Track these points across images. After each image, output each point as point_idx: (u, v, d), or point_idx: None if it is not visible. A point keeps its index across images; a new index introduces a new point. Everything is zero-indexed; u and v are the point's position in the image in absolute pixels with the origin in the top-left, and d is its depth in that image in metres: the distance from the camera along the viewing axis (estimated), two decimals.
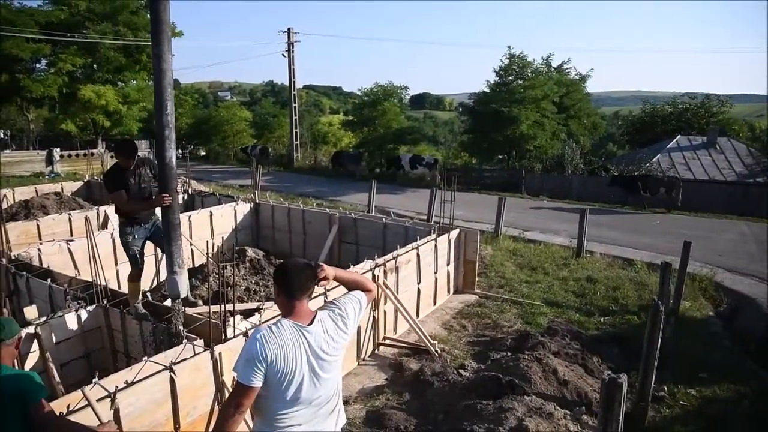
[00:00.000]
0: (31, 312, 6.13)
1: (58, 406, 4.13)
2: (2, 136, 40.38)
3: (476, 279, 9.93)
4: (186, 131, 43.13)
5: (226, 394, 5.04)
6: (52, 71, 29.68)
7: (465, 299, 9.55)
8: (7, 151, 29.99)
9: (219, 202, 12.20)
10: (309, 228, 10.99)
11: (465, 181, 21.98)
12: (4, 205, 13.46)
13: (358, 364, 7.14)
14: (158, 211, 5.75)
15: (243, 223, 11.48)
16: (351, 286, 3.22)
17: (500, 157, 29.65)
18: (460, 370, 6.82)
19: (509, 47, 27.58)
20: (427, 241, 8.80)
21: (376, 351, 7.56)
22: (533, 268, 11.33)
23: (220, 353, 4.98)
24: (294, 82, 33.73)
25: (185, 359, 4.88)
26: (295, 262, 2.95)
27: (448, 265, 9.39)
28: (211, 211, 10.80)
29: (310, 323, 2.81)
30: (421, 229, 9.62)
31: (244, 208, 11.58)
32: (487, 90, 27.98)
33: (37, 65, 30.87)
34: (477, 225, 13.36)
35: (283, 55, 33.32)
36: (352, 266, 7.32)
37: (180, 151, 43.79)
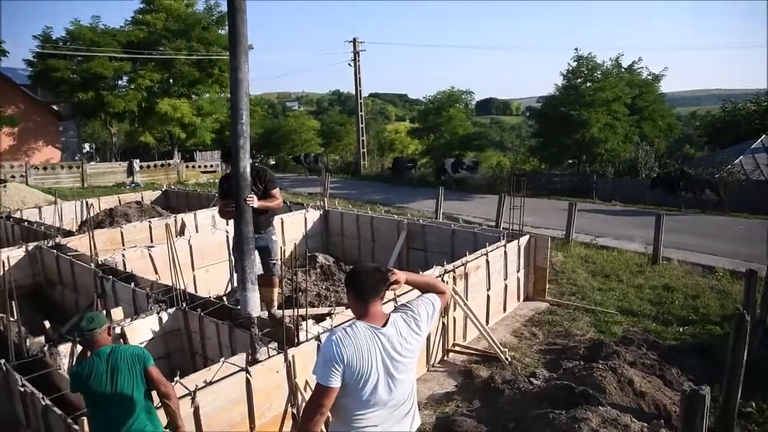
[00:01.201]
0: (117, 313, 6.48)
1: None
2: (88, 149, 42.78)
3: (547, 286, 9.73)
4: (256, 141, 44.38)
5: (299, 397, 5.17)
6: (132, 87, 31.38)
7: (535, 306, 9.38)
8: (93, 163, 31.75)
9: (289, 209, 12.49)
10: (378, 234, 11.09)
11: (533, 186, 21.62)
12: (91, 214, 14.27)
13: (428, 371, 7.15)
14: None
15: (313, 229, 11.72)
16: (423, 288, 3.24)
17: (570, 161, 28.97)
18: (531, 379, 6.71)
19: (577, 49, 26.97)
20: (497, 248, 8.71)
21: (445, 358, 7.54)
22: (606, 275, 11.00)
23: (293, 356, 5.11)
24: (360, 90, 34.17)
25: (260, 361, 5.04)
26: (366, 266, 3.02)
27: (518, 271, 9.26)
28: (282, 218, 11.08)
29: (384, 325, 2.85)
30: (491, 236, 9.53)
31: (313, 215, 11.82)
32: (556, 93, 27.42)
33: (119, 82, 32.66)
34: (546, 231, 13.10)
35: (349, 64, 33.85)
36: (420, 272, 7.34)
37: (251, 161, 45.29)
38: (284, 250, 10.89)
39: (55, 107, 35.31)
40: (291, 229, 11.24)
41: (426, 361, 7.13)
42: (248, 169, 5.20)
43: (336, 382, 2.70)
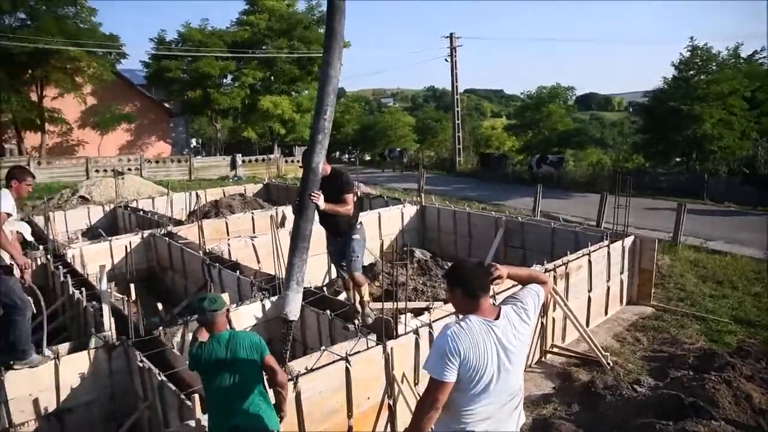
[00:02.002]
0: (224, 299, 6.79)
1: None
2: (195, 144, 45.20)
3: (652, 290, 9.25)
4: (352, 137, 45.17)
5: (396, 388, 5.23)
6: (236, 85, 32.84)
7: (639, 311, 8.95)
8: (199, 157, 33.48)
9: (386, 204, 12.62)
10: (474, 231, 10.98)
11: (637, 185, 20.57)
12: (198, 205, 15.08)
13: (524, 371, 6.99)
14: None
15: (409, 224, 11.78)
16: (525, 281, 3.22)
17: (677, 159, 27.34)
18: (634, 386, 6.42)
19: (692, 38, 25.25)
20: (599, 248, 8.39)
21: (543, 359, 7.36)
22: (719, 281, 10.30)
23: (391, 348, 5.16)
24: (456, 86, 33.90)
25: (359, 352, 5.13)
26: (469, 262, 3.01)
27: (621, 273, 8.87)
28: (379, 213, 11.23)
29: (497, 318, 2.84)
30: (593, 235, 9.20)
31: (410, 211, 11.88)
32: (664, 87, 25.86)
33: (224, 80, 34.24)
34: (650, 233, 12.47)
35: (445, 59, 33.65)
36: None
37: (347, 156, 46.08)
38: (381, 244, 11.07)
39: (166, 105, 37.61)
40: (387, 224, 11.35)
41: None
42: (321, 166, 5.00)
43: (452, 377, 2.69)
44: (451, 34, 33.27)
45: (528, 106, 33.41)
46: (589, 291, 8.13)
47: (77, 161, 27.70)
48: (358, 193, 14.32)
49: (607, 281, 8.52)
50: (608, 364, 6.91)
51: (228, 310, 4.04)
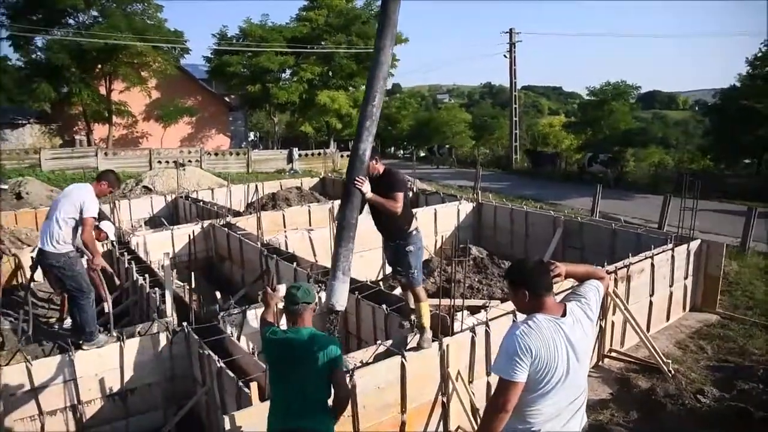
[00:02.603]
0: (281, 290, 6.88)
1: None
2: (253, 137, 46.11)
3: (718, 297, 8.87)
4: (407, 133, 45.08)
5: (450, 386, 5.18)
6: (294, 80, 33.27)
7: (704, 318, 8.60)
8: (256, 150, 34.10)
9: (442, 200, 12.56)
10: (531, 230, 10.79)
11: (703, 187, 19.77)
12: (256, 197, 15.38)
13: None
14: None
15: (465, 221, 11.68)
16: (584, 277, 3.19)
17: (747, 161, 26.11)
18: (698, 396, 6.16)
19: None
20: (663, 251, 8.10)
21: (600, 363, 7.17)
22: None
23: (447, 346, 5.13)
24: (515, 82, 33.37)
25: (415, 348, 5.12)
26: (530, 261, 2.99)
27: (685, 278, 8.54)
28: (435, 209, 11.18)
29: (563, 315, 2.80)
30: (656, 238, 8.88)
31: (466, 208, 11.78)
32: (738, 84, 24.58)
33: (283, 75, 34.74)
34: (716, 237, 11.94)
35: (504, 56, 33.15)
36: None
37: (401, 152, 46.05)
38: (436, 241, 11.02)
39: (226, 99, 38.48)
40: (443, 220, 11.28)
41: None
42: (368, 153, 4.80)
43: (523, 376, 2.65)
44: (510, 29, 32.76)
45: (590, 103, 32.55)
46: (651, 295, 7.87)
47: (141, 152, 28.70)
48: (414, 189, 14.36)
49: (670, 286, 8.22)
50: (669, 371, 6.66)
51: (317, 305, 3.78)
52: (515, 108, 33.36)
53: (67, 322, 6.46)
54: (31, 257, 7.11)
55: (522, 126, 37.66)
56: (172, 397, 5.70)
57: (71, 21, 30.12)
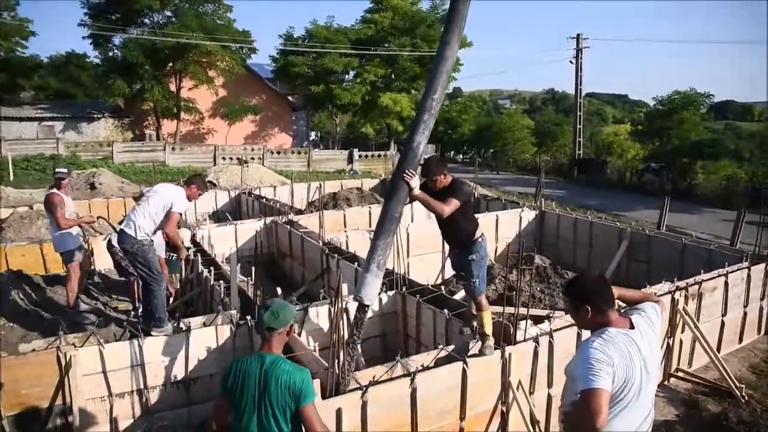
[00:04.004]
0: (343, 289, 6.93)
1: (362, 376, 4.62)
2: (314, 137, 46.77)
3: None
4: (468, 137, 44.77)
5: (511, 395, 5.08)
6: (357, 81, 33.61)
7: None
8: (317, 150, 34.59)
9: (504, 207, 12.39)
10: (595, 241, 10.49)
11: None
12: (317, 196, 15.55)
13: None
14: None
15: (527, 229, 11.47)
16: (636, 302, 3.11)
17: None
18: None
19: None
20: (738, 269, 7.71)
21: (666, 382, 6.88)
22: None
23: (509, 354, 5.03)
24: (580, 89, 32.66)
25: (476, 355, 5.04)
26: (591, 276, 2.97)
27: (762, 299, 8.12)
28: (497, 215, 11.03)
29: (630, 328, 2.75)
30: (730, 255, 8.47)
31: (528, 215, 11.57)
32: None
33: (346, 76, 35.13)
34: None
35: (570, 61, 32.51)
36: (648, 287, 6.78)
37: (461, 156, 45.78)
38: (496, 248, 10.86)
39: (290, 98, 39.20)
40: (505, 227, 11.12)
41: None
42: (422, 146, 4.67)
43: (607, 383, 2.52)
44: (578, 35, 32.10)
45: (658, 112, 31.50)
46: (723, 315, 7.50)
47: (206, 148, 29.55)
48: (475, 194, 14.20)
49: (745, 306, 7.83)
50: (743, 397, 6.34)
51: (292, 328, 3.27)
52: (579, 115, 32.63)
53: (140, 312, 6.70)
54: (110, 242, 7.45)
55: (585, 134, 36.80)
56: None
57: (146, 21, 31.37)
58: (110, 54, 32.02)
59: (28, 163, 24.55)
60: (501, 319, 5.37)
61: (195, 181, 6.17)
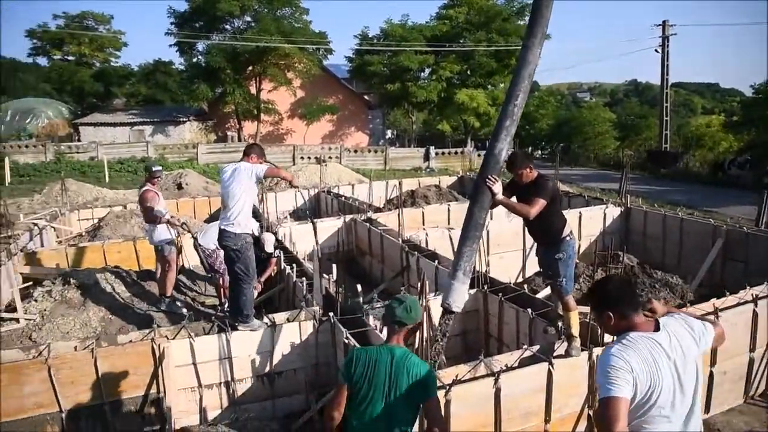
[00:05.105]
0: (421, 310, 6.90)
1: (445, 375, 4.58)
2: (390, 135, 47.02)
3: None
4: (546, 132, 43.71)
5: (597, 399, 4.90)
6: (433, 78, 33.48)
7: None
8: (393, 148, 34.72)
9: (587, 203, 11.99)
10: (686, 239, 9.93)
11: None
12: (394, 194, 15.61)
13: (745, 402, 6.15)
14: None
15: (611, 227, 11.04)
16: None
17: None
18: None
19: None
20: None
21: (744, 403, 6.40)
22: None
23: (597, 356, 4.85)
24: (667, 79, 31.13)
25: (562, 356, 4.90)
26: (614, 280, 2.86)
27: None
28: (580, 212, 10.69)
29: (656, 330, 2.60)
30: None
31: (613, 212, 11.13)
32: None
33: (422, 74, 35.07)
34: None
35: (655, 50, 31.04)
36: (748, 288, 6.34)
37: (540, 152, 44.76)
38: (579, 246, 10.52)
39: (366, 97, 39.58)
40: (588, 224, 10.76)
41: (744, 390, 6.15)
42: (504, 153, 4.64)
43: (625, 391, 2.42)
44: (664, 22, 30.61)
45: (756, 100, 29.54)
46: None
47: (285, 148, 30.31)
48: (558, 202, 13.80)
49: None
50: None
51: (420, 325, 3.35)
52: (666, 107, 31.12)
53: (226, 307, 6.93)
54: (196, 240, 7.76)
55: (672, 126, 35.06)
56: (315, 382, 5.90)
57: (228, 27, 32.55)
58: (194, 60, 33.50)
59: (121, 166, 26.02)
60: (588, 320, 5.19)
61: (252, 150, 6.02)
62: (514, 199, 5.02)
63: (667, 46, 30.63)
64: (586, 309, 5.46)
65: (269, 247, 7.69)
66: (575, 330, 4.95)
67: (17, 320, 7.19)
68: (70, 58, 43.10)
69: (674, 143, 34.54)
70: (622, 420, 2.38)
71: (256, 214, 7.66)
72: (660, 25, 30.85)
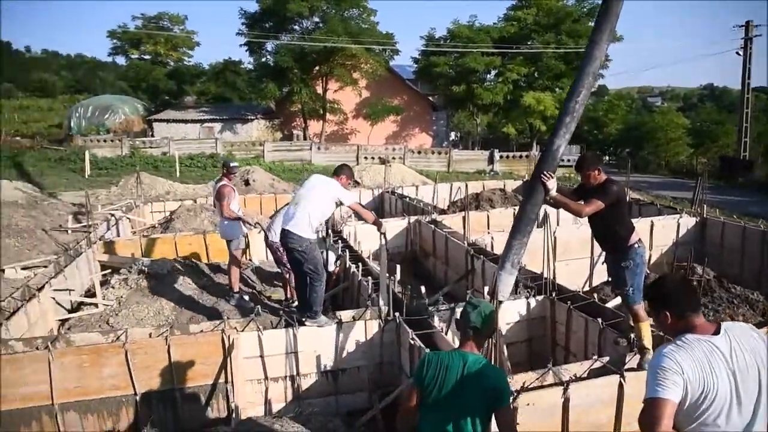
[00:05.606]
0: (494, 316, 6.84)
1: (513, 382, 4.49)
2: (454, 137, 46.80)
3: None
4: (615, 137, 42.46)
5: None
6: (499, 80, 33.13)
7: None
8: (456, 150, 34.52)
9: (659, 212, 11.57)
10: None
11: None
12: (458, 196, 15.53)
13: None
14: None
15: (685, 237, 10.58)
16: None
17: None
18: None
19: None
20: None
21: None
22: None
23: None
24: (748, 83, 29.63)
25: (633, 369, 4.75)
26: (674, 279, 2.75)
27: None
28: (652, 221, 10.31)
29: (715, 334, 2.44)
30: None
31: (687, 222, 10.68)
32: None
33: (488, 76, 34.76)
34: None
35: (737, 53, 29.62)
36: None
37: (607, 158, 43.48)
38: (650, 256, 10.16)
39: (430, 98, 39.51)
40: (660, 234, 10.36)
41: None
42: (562, 149, 4.55)
43: (672, 394, 2.31)
44: (747, 22, 29.15)
45: None
46: None
47: (349, 148, 30.64)
48: (623, 200, 13.38)
49: None
50: None
51: (494, 331, 3.26)
52: (746, 112, 29.65)
53: (295, 303, 7.04)
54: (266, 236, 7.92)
55: (752, 133, 33.35)
56: (379, 381, 5.93)
57: (296, 27, 33.19)
58: (263, 60, 34.32)
59: (191, 161, 26.93)
60: (661, 333, 5.00)
61: (342, 171, 6.23)
62: (581, 203, 4.92)
63: (750, 48, 29.20)
64: None
65: (331, 266, 7.79)
66: (647, 342, 4.79)
67: (96, 305, 7.57)
68: (147, 57, 44.95)
69: (754, 152, 32.82)
70: (664, 424, 2.28)
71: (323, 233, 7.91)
72: (743, 26, 29.45)
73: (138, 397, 5.27)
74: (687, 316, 2.52)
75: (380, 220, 6.37)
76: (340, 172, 6.22)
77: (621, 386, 4.52)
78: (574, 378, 4.58)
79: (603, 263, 5.48)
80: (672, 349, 2.42)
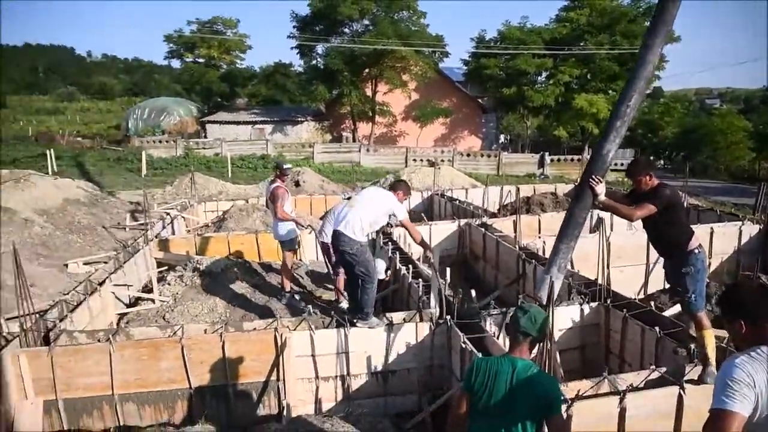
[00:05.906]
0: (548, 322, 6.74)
1: (567, 390, 4.42)
2: (503, 140, 46.33)
3: None
4: (671, 141, 41.21)
5: None
6: (551, 82, 32.62)
7: None
8: (506, 153, 34.15)
9: (719, 219, 11.16)
10: None
11: None
12: (508, 200, 15.35)
13: None
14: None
15: (748, 245, 10.16)
16: None
17: None
18: None
19: None
20: None
21: None
22: None
23: None
24: None
25: (694, 381, 4.60)
26: (748, 286, 2.67)
27: None
28: (711, 228, 9.95)
29: None
30: None
31: (750, 230, 10.26)
32: None
33: (539, 78, 34.27)
34: None
35: None
36: None
37: (662, 162, 42.23)
38: (710, 264, 9.81)
39: (480, 101, 39.21)
40: (720, 242, 9.97)
41: None
42: (611, 154, 4.59)
43: (741, 407, 2.19)
44: None
45: None
46: None
47: (398, 150, 30.70)
48: (685, 203, 12.96)
49: None
50: None
51: (546, 336, 3.23)
52: None
53: (343, 304, 7.11)
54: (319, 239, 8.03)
55: None
56: (428, 384, 5.92)
57: (346, 30, 33.49)
58: (313, 62, 34.75)
59: (243, 162, 27.51)
60: (725, 344, 4.83)
61: (401, 187, 6.42)
62: (631, 207, 4.80)
63: None
64: (721, 332, 5.09)
65: (380, 275, 7.83)
66: (711, 351, 4.61)
67: (153, 301, 7.82)
68: (200, 60, 46.11)
69: None
70: None
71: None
72: None
73: (192, 391, 5.43)
74: (764, 326, 2.40)
75: (426, 241, 6.52)
76: (397, 187, 6.39)
77: (680, 398, 4.39)
78: (630, 387, 4.47)
79: (661, 268, 5.32)
80: (745, 360, 2.31)
